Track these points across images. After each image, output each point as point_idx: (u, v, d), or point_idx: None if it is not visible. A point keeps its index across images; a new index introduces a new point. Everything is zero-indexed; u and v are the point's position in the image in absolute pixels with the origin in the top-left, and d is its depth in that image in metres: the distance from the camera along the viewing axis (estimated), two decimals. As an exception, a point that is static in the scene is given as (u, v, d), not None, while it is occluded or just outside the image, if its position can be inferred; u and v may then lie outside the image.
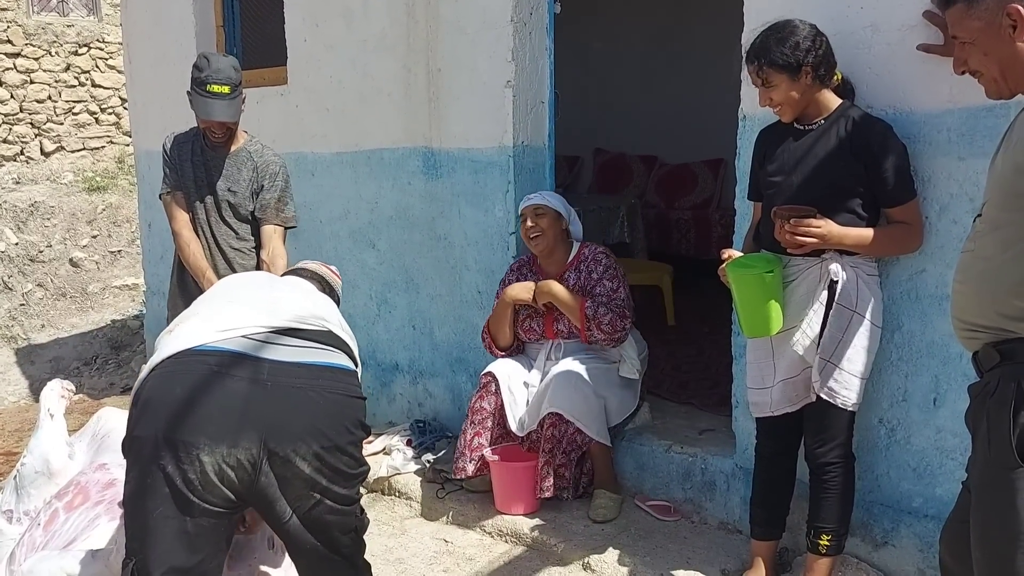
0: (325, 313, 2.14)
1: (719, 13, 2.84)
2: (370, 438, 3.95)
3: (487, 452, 3.27)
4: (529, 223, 3.29)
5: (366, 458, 3.78)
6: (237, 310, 2.05)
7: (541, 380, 3.30)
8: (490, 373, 3.34)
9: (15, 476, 2.83)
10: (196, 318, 2.05)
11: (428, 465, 3.61)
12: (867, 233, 2.36)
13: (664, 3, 6.53)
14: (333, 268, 2.54)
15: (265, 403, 1.85)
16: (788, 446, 2.60)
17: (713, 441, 3.26)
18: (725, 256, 2.50)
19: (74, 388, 3.09)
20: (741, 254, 2.53)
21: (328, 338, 2.07)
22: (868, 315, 2.42)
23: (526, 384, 3.35)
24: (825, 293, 2.39)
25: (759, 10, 2.71)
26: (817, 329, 2.40)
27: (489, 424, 3.30)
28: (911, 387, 2.55)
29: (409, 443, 3.85)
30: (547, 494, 3.15)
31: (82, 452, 2.84)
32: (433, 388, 4.13)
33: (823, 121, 2.42)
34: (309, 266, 2.53)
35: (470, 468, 3.28)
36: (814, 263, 2.43)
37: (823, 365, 2.40)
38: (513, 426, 3.28)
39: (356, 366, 2.11)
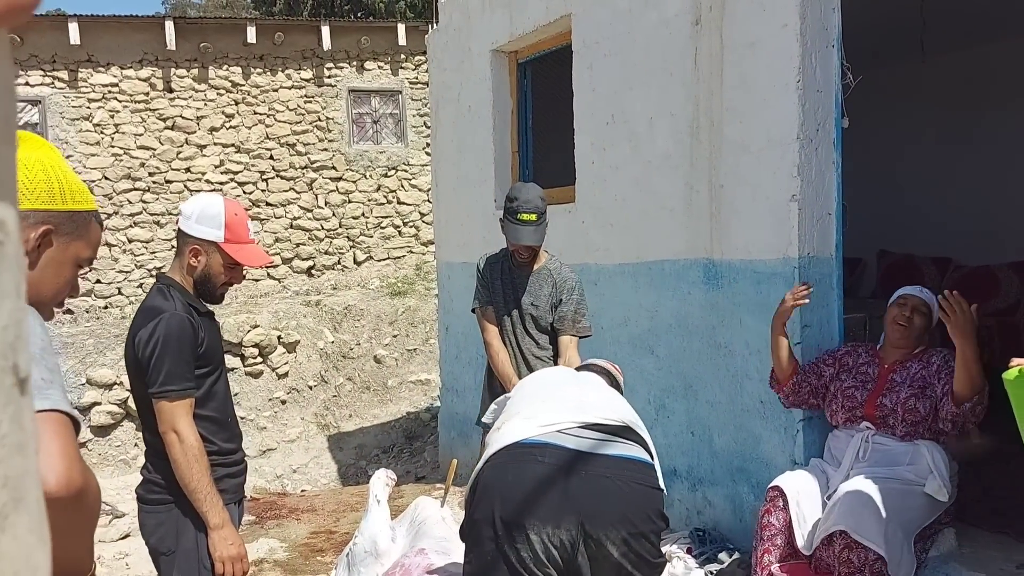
0: (623, 410, 2.34)
1: (1019, 95, 2.75)
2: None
3: (775, 568, 3.22)
4: (906, 312, 3.40)
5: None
6: (552, 407, 2.32)
7: (831, 495, 3.21)
8: (777, 487, 3.31)
9: (347, 554, 3.26)
10: (518, 416, 2.32)
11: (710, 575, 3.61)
12: None
13: (955, 89, 6.24)
14: (616, 366, 2.77)
15: (582, 490, 2.07)
16: None
17: (1034, 578, 2.97)
18: (1013, 364, 2.36)
19: (395, 477, 3.50)
20: None
21: (627, 432, 2.26)
22: None
23: (821, 496, 3.27)
24: None
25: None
26: None
27: (779, 541, 3.25)
28: None
29: (689, 551, 3.86)
30: None
31: (402, 536, 3.20)
32: (713, 497, 4.13)
33: None
34: (598, 362, 2.78)
35: (764, 586, 3.24)
36: None
37: None
38: (800, 543, 3.21)
39: (653, 459, 2.26)
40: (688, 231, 4.19)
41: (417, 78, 11.07)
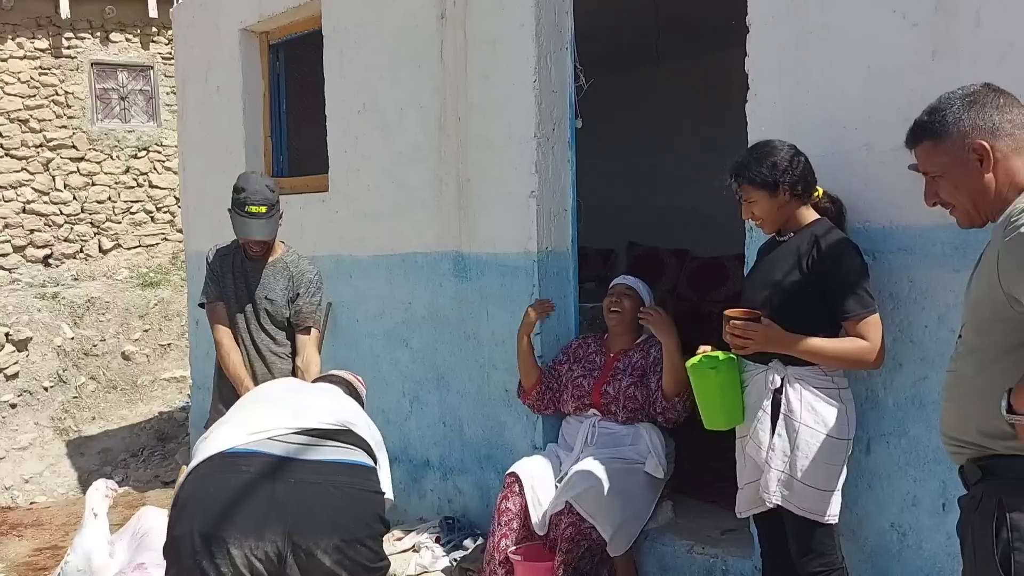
0: (348, 414, 2.29)
1: (740, 119, 3.03)
2: (400, 535, 4.04)
3: (511, 551, 3.33)
4: (614, 298, 3.58)
5: (397, 554, 3.88)
6: (264, 414, 2.23)
7: (563, 476, 3.38)
8: (514, 474, 3.43)
9: (59, 574, 2.98)
10: (227, 424, 2.22)
11: (455, 563, 3.68)
12: (813, 343, 2.39)
13: (691, 93, 6.75)
14: (359, 378, 2.72)
15: (289, 499, 2.00)
16: (782, 548, 2.61)
17: (735, 542, 3.29)
18: (699, 351, 2.61)
19: (118, 487, 3.25)
20: (710, 349, 2.61)
21: (349, 437, 2.22)
22: (820, 427, 2.42)
23: (554, 479, 3.43)
24: (768, 402, 2.46)
25: (764, 125, 2.88)
26: (764, 437, 2.46)
27: (515, 525, 3.36)
28: (920, 492, 2.58)
29: (438, 540, 3.92)
30: None
31: (122, 551, 2.99)
32: (463, 485, 4.22)
33: (792, 235, 2.55)
34: (339, 373, 2.72)
35: (500, 572, 3.33)
36: (760, 370, 2.51)
37: (776, 475, 2.44)
38: (535, 524, 3.35)
39: (375, 463, 2.25)
40: (438, 224, 4.23)
41: (171, 53, 10.32)
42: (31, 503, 6.45)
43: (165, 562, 2.05)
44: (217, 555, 1.92)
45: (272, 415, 2.21)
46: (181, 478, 2.20)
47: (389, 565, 2.21)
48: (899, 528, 2.65)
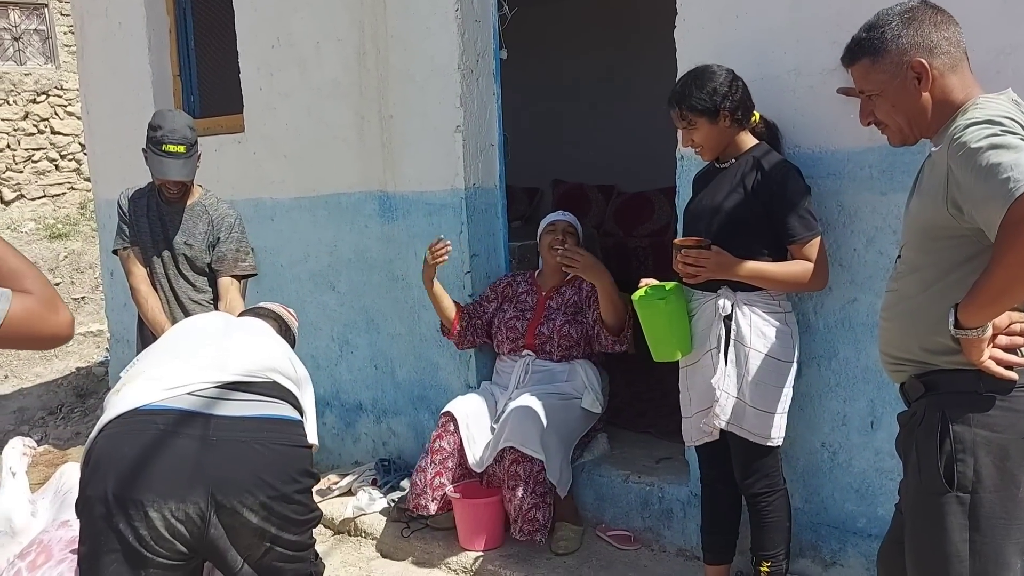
0: (273, 363, 2.19)
1: (664, 47, 2.98)
2: (336, 479, 3.99)
3: (449, 490, 3.33)
4: (559, 236, 3.50)
5: (334, 498, 3.84)
6: (183, 367, 2.10)
7: (500, 415, 3.37)
8: (448, 412, 3.40)
9: (-23, 536, 2.84)
10: (141, 377, 2.09)
11: (393, 504, 3.66)
12: (761, 267, 2.41)
13: (611, 40, 6.69)
14: (291, 310, 2.61)
15: (211, 458, 1.92)
16: (725, 474, 2.67)
17: (670, 469, 3.35)
18: (642, 284, 2.61)
19: (36, 445, 3.10)
20: (655, 282, 2.62)
21: (274, 390, 2.13)
22: (768, 351, 2.46)
23: (490, 417, 3.42)
24: (721, 328, 2.48)
25: (691, 52, 2.84)
26: (717, 362, 2.48)
27: (450, 464, 3.35)
28: (849, 411, 2.66)
29: (375, 483, 3.89)
30: (520, 537, 3.20)
31: (45, 510, 2.85)
32: (396, 427, 4.18)
33: (734, 160, 2.54)
34: (267, 306, 2.60)
35: (432, 507, 3.33)
36: (709, 297, 2.52)
37: (728, 400, 2.47)
38: (472, 462, 3.34)
39: (301, 416, 2.17)
40: (362, 162, 4.10)
41: (66, -11, 9.70)
42: (-58, 467, 6.17)
43: (79, 522, 1.95)
44: (135, 518, 1.84)
45: (191, 367, 2.09)
46: (92, 435, 2.07)
47: (320, 515, 2.15)
48: (829, 447, 2.72)
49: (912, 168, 2.25)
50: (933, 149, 1.72)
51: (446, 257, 3.35)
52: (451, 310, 3.55)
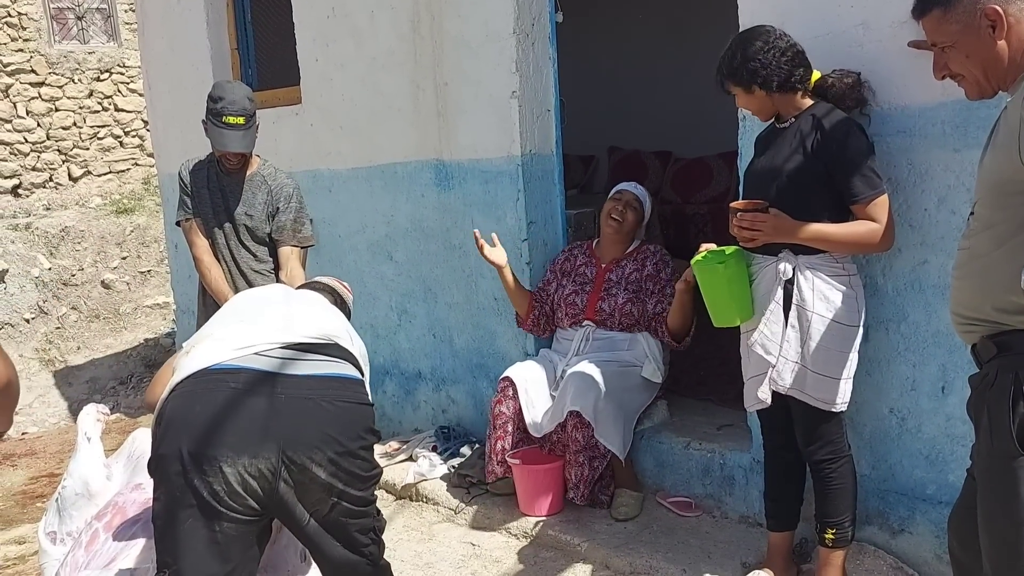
0: (333, 327, 2.23)
1: (725, 9, 2.91)
2: (396, 445, 4.05)
3: (509, 456, 3.35)
4: (619, 207, 3.47)
5: (395, 464, 3.91)
6: (250, 328, 2.15)
7: (560, 381, 3.36)
8: (507, 378, 3.41)
9: (57, 499, 2.95)
10: (210, 339, 2.14)
11: (453, 470, 3.70)
12: (822, 229, 2.33)
13: (669, 3, 6.55)
14: (346, 284, 2.64)
15: (280, 415, 1.95)
16: (788, 440, 2.62)
17: (731, 436, 3.31)
18: (701, 249, 2.56)
19: (109, 411, 3.19)
20: (715, 247, 2.56)
21: (336, 350, 2.16)
22: (832, 316, 2.39)
23: (548, 383, 3.42)
24: (781, 292, 2.41)
25: (753, 11, 2.76)
26: (776, 328, 2.42)
27: (510, 428, 3.37)
28: (919, 376, 2.58)
29: (435, 449, 3.93)
30: (580, 502, 3.21)
31: (119, 473, 2.94)
32: (455, 395, 4.21)
33: (793, 120, 2.46)
34: (323, 280, 2.63)
35: (499, 471, 3.36)
36: (770, 261, 2.45)
37: (789, 366, 2.42)
38: (531, 428, 3.35)
39: (363, 375, 2.20)
40: (417, 131, 4.10)
41: (126, -32, 9.85)
42: (23, 433, 6.42)
43: (152, 480, 2.01)
44: (209, 473, 1.88)
45: (257, 329, 2.14)
46: (163, 395, 2.13)
47: (381, 472, 2.19)
48: (898, 413, 2.65)
49: (987, 123, 2.16)
50: (1008, 100, 1.64)
51: (490, 245, 3.40)
52: (525, 299, 3.56)
